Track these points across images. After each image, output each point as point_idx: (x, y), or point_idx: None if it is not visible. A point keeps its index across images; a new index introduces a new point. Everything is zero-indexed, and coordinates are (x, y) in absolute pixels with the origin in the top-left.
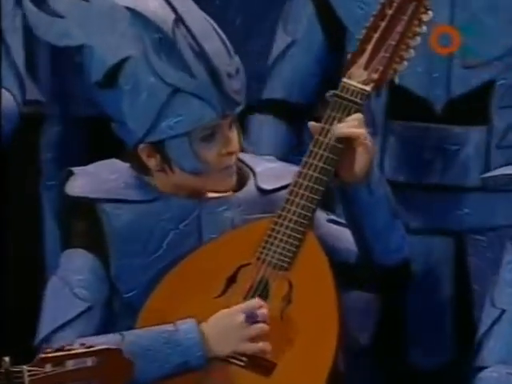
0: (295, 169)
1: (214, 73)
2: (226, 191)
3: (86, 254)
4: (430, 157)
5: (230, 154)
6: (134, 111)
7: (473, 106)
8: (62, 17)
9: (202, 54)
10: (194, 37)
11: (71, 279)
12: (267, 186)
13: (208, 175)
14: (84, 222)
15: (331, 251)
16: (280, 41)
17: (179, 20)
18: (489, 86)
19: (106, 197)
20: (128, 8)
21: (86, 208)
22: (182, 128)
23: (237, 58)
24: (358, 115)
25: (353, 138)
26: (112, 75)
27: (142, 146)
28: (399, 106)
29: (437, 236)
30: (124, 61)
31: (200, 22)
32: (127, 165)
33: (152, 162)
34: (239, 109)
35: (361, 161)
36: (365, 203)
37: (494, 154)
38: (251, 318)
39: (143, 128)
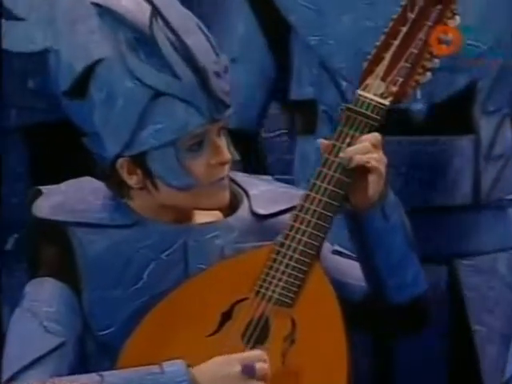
0: (295, 191)
1: (200, 72)
2: (220, 208)
3: (56, 283)
4: (413, 174)
5: (222, 164)
6: (110, 121)
7: (456, 114)
8: (22, 19)
9: (185, 52)
10: (175, 32)
11: (40, 311)
12: (263, 211)
13: (198, 190)
14: (53, 248)
15: (335, 287)
16: None
17: (157, 13)
18: (471, 89)
19: (78, 220)
20: (95, 4)
21: (55, 232)
22: (166, 137)
23: (224, 56)
24: (373, 136)
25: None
26: (82, 81)
27: (120, 160)
28: None
29: (427, 264)
30: (95, 64)
31: (181, 16)
32: (104, 184)
33: (133, 180)
34: (229, 112)
35: (374, 186)
36: (379, 231)
37: (484, 167)
38: (249, 372)
39: (122, 140)
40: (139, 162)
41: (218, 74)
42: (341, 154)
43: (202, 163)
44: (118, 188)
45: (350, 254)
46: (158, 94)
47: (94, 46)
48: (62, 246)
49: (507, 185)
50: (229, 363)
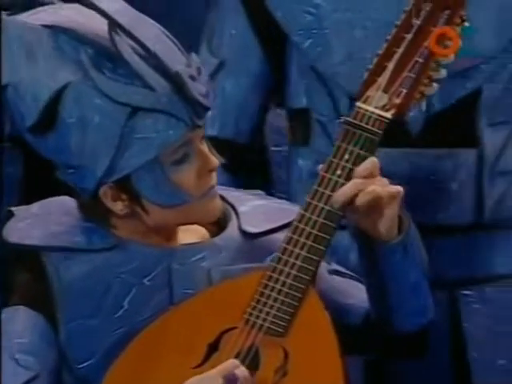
0: (289, 207)
1: (174, 79)
2: (214, 219)
3: (30, 312)
4: (409, 191)
5: (211, 171)
6: (87, 148)
7: (457, 125)
8: None
9: (154, 60)
10: (139, 41)
11: (12, 343)
12: (253, 229)
13: (190, 204)
14: (26, 274)
15: (334, 310)
16: (205, 64)
17: (115, 25)
18: (474, 99)
19: (52, 244)
20: (46, 26)
21: (28, 257)
22: (150, 153)
23: (194, 57)
24: (370, 163)
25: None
26: (50, 112)
27: (103, 188)
28: None
29: None
30: (62, 90)
31: (141, 23)
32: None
33: (118, 206)
34: (208, 114)
35: (385, 222)
36: (396, 264)
37: (488, 183)
38: (232, 381)
39: (102, 166)
40: (124, 185)
41: (192, 77)
42: (338, 171)
43: (190, 175)
44: (100, 218)
45: (349, 273)
46: (134, 111)
47: (55, 72)
48: (35, 272)
49: None
50: (208, 379)
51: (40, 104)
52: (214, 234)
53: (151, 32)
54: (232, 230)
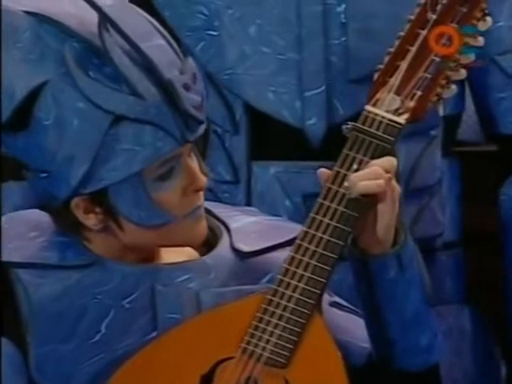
0: (286, 224)
1: (165, 88)
2: (198, 242)
3: None
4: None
5: (198, 190)
6: (62, 152)
7: None
8: None
9: (146, 65)
10: (131, 42)
11: None
12: (246, 248)
13: (171, 226)
14: None
15: None
16: None
17: (106, 21)
18: None
19: (22, 260)
20: (30, 13)
21: None
22: (132, 167)
23: (190, 61)
24: (385, 161)
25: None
26: (25, 110)
27: (76, 199)
28: (263, 141)
29: None
30: (39, 88)
31: (136, 20)
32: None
33: (91, 220)
34: (202, 129)
35: (384, 221)
36: (391, 283)
37: (403, 202)
38: None
39: (77, 175)
40: (99, 199)
41: (186, 86)
42: (345, 183)
43: (174, 193)
44: (73, 230)
45: (350, 306)
46: (118, 119)
47: (34, 66)
48: (3, 291)
49: (433, 223)
50: None
51: (14, 101)
52: (202, 253)
53: (147, 31)
54: (223, 248)
